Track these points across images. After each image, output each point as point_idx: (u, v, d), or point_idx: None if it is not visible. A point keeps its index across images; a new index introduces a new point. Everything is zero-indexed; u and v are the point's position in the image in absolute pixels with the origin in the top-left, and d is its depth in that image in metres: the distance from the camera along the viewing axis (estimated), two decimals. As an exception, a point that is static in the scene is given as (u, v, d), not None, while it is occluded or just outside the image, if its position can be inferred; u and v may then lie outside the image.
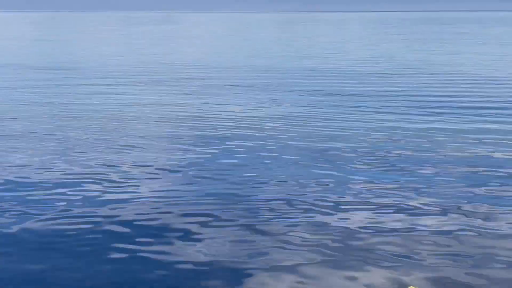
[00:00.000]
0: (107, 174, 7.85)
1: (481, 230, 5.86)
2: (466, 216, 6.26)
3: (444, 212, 6.39)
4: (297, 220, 6.13)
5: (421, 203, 6.69)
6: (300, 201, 6.74)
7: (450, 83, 17.61)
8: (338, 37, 47.67)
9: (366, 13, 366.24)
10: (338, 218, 6.18)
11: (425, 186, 7.35)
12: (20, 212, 6.34)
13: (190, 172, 7.94)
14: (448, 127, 11.07)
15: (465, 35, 50.71)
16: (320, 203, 6.67)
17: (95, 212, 6.34)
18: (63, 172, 7.93)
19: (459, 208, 6.52)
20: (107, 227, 5.91)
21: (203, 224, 5.98)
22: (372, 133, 10.57)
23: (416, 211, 6.41)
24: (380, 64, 23.87)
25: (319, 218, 6.18)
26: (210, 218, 6.16)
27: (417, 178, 7.67)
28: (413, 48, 33.85)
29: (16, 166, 8.23)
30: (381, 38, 46.84)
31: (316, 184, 7.39)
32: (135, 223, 6.02)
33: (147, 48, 34.17)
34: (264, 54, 29.37)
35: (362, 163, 8.46)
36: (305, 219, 6.13)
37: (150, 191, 7.10)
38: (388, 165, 8.35)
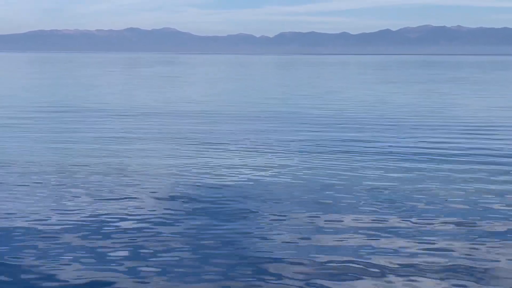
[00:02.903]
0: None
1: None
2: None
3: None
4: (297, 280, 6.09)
5: (423, 260, 6.66)
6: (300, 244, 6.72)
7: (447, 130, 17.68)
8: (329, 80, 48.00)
9: (367, 56, 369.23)
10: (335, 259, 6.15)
11: (428, 238, 7.33)
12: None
13: (189, 221, 7.92)
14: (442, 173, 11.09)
15: (462, 79, 51.08)
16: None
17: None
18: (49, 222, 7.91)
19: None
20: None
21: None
22: (371, 182, 10.57)
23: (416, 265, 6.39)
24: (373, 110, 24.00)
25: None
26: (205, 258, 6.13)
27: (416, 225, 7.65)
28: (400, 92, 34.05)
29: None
30: (373, 81, 47.15)
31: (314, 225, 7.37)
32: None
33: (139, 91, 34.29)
34: (261, 98, 29.52)
35: (362, 210, 8.45)
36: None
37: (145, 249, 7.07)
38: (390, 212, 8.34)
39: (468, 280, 5.98)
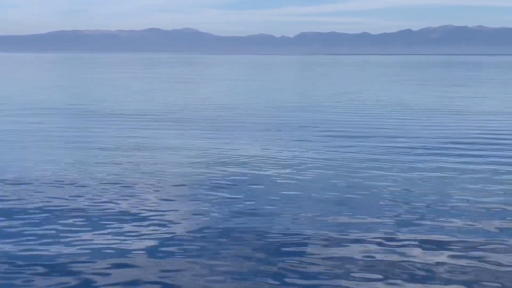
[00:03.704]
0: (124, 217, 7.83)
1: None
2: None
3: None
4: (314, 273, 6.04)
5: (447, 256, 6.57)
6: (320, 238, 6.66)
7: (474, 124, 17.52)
8: (353, 79, 47.84)
9: (388, 56, 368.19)
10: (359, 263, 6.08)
11: (450, 236, 7.24)
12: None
13: (214, 214, 7.90)
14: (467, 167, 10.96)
15: (483, 79, 50.68)
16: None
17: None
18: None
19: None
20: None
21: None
22: (394, 181, 10.48)
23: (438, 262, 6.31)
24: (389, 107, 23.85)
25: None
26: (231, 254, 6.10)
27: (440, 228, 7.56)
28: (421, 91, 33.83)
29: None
30: (393, 81, 46.92)
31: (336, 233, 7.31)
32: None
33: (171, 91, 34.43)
34: (282, 96, 29.47)
35: (385, 209, 8.37)
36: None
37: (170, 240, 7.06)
38: (410, 212, 8.25)
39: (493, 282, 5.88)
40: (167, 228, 7.52)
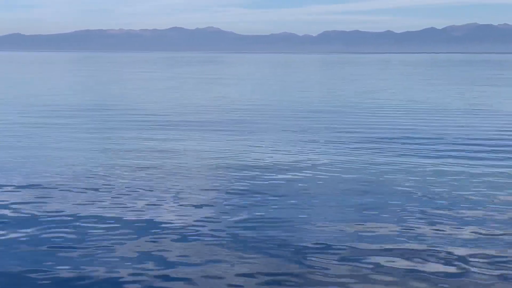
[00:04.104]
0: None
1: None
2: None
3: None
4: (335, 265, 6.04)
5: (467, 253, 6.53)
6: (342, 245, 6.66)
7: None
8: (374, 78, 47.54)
9: (412, 55, 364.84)
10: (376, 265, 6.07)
11: (472, 233, 7.19)
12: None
13: (238, 217, 7.93)
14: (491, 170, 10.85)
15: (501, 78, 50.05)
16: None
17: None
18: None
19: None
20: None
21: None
22: (414, 177, 10.42)
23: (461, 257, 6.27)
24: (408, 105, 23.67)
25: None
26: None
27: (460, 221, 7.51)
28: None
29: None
30: (415, 79, 46.54)
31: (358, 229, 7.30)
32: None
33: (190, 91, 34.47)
34: (306, 96, 29.38)
35: (406, 210, 8.34)
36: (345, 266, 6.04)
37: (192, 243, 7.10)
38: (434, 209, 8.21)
39: (516, 280, 5.83)
40: (187, 232, 7.55)
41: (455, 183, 10.15)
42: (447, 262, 6.32)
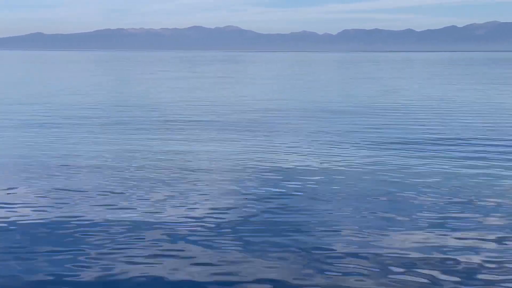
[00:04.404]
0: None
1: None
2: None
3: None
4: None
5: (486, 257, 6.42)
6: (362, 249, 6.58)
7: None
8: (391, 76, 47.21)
9: (433, 53, 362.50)
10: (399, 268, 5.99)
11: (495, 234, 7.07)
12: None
13: (256, 221, 7.87)
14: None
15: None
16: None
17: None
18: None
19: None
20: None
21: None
22: (434, 179, 10.28)
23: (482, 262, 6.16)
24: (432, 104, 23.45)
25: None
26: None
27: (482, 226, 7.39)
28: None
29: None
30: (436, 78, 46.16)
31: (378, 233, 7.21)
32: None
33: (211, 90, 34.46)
34: (322, 95, 29.24)
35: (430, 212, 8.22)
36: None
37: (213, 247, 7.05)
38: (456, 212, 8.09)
39: (550, 283, 5.71)
40: (208, 235, 7.50)
41: (482, 188, 9.99)
42: (469, 273, 6.21)
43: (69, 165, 11.34)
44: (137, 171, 10.82)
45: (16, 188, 9.48)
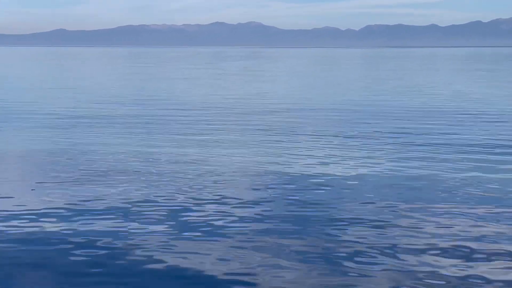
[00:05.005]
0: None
1: None
2: None
3: None
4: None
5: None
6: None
7: None
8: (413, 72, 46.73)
9: (458, 49, 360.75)
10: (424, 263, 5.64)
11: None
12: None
13: (277, 225, 7.59)
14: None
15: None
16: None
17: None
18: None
19: None
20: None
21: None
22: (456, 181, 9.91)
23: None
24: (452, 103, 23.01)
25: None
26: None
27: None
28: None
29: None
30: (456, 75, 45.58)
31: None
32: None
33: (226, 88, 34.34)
34: (345, 93, 28.92)
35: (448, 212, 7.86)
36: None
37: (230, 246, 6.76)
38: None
39: None
40: (227, 237, 7.22)
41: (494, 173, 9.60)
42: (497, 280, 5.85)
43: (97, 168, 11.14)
44: (158, 175, 10.58)
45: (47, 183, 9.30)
